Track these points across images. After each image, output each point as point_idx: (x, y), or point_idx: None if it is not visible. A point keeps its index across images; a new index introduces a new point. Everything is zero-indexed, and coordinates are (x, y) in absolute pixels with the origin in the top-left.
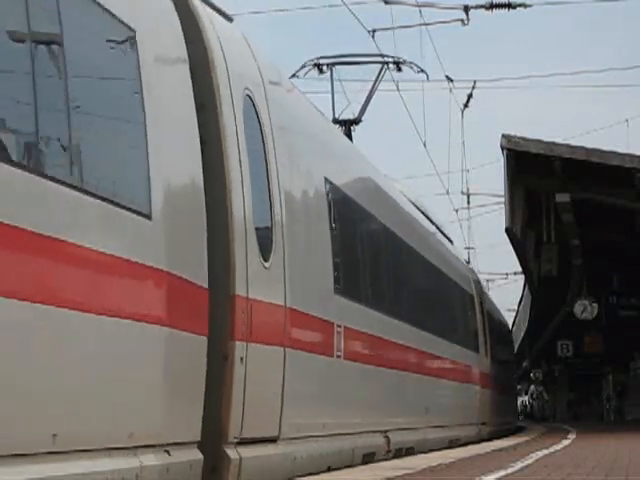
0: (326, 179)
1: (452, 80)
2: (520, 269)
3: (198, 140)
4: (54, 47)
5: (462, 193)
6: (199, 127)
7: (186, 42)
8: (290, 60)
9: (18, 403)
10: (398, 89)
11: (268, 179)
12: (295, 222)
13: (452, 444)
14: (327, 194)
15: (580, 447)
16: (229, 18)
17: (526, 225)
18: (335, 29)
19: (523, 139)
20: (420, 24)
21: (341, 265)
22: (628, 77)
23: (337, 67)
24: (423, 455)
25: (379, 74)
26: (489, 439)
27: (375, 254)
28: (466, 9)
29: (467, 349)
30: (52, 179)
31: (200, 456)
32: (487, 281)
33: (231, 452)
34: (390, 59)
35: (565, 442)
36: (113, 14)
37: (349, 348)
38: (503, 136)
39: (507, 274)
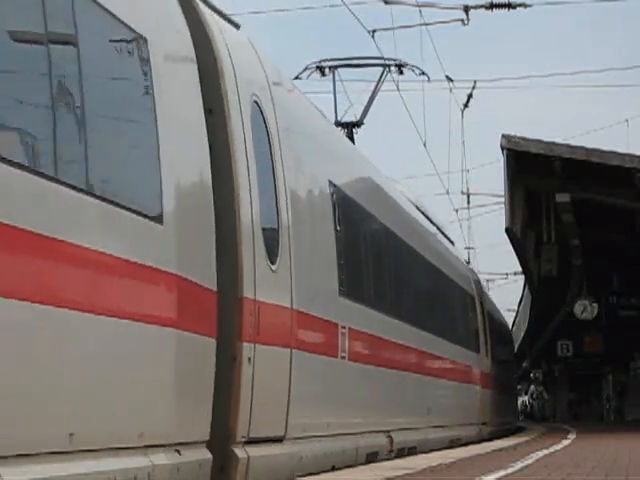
0: (330, 182)
1: (452, 80)
2: (520, 269)
3: (207, 146)
4: (71, 54)
5: (462, 193)
6: (208, 132)
7: (195, 49)
8: (290, 60)
9: (39, 404)
10: (398, 89)
11: (275, 183)
12: (301, 225)
13: (453, 444)
14: (331, 197)
15: (580, 447)
16: (236, 25)
17: (526, 225)
18: (335, 29)
19: (523, 139)
20: (420, 24)
21: (345, 267)
22: (628, 77)
23: (339, 69)
24: (423, 455)
25: (381, 77)
26: (489, 439)
27: (378, 256)
28: (466, 9)
29: (468, 349)
30: (71, 187)
31: (209, 456)
32: (487, 281)
33: (239, 452)
34: (392, 62)
35: (565, 442)
36: (128, 25)
37: (353, 349)
38: (503, 136)
39: (507, 274)
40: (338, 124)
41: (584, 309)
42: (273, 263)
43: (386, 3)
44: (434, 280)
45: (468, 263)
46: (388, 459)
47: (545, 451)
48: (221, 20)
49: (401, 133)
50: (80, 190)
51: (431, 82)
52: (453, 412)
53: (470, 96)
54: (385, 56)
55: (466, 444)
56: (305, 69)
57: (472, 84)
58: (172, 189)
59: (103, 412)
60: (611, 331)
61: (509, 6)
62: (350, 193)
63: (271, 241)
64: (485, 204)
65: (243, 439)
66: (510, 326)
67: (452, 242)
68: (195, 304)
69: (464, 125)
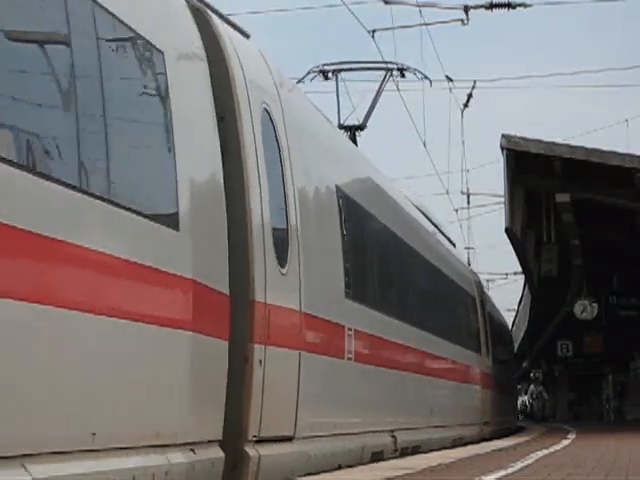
0: (337, 187)
1: (452, 80)
2: (520, 269)
3: (219, 153)
4: (96, 66)
5: (462, 193)
6: (220, 139)
7: (208, 59)
8: (290, 60)
9: (66, 405)
10: (398, 89)
11: (284, 189)
12: (309, 230)
13: (455, 443)
14: (338, 201)
15: (580, 447)
16: (246, 35)
17: (526, 225)
18: (335, 29)
19: (523, 139)
20: (420, 24)
21: (351, 270)
22: (628, 77)
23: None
24: (423, 455)
25: (383, 81)
26: (490, 439)
27: (383, 259)
28: (466, 9)
29: (469, 350)
30: (94, 196)
31: (222, 454)
32: (487, 281)
33: (250, 450)
34: (394, 66)
35: (565, 442)
36: (149, 41)
37: (359, 350)
38: (503, 136)
39: (507, 274)
40: (341, 127)
41: (584, 309)
42: (283, 267)
43: (386, 3)
44: (437, 282)
45: (469, 265)
46: (394, 458)
47: (545, 451)
48: (232, 30)
49: (401, 133)
50: (105, 200)
51: (432, 83)
52: (455, 412)
53: (470, 96)
54: (385, 56)
55: (466, 444)
56: (308, 73)
57: (472, 84)
58: (187, 196)
59: (123, 412)
60: (611, 331)
61: (509, 6)
62: (355, 197)
63: (281, 246)
64: (485, 204)
65: (254, 438)
66: (510, 326)
67: (453, 244)
68: (209, 307)
69: (464, 125)
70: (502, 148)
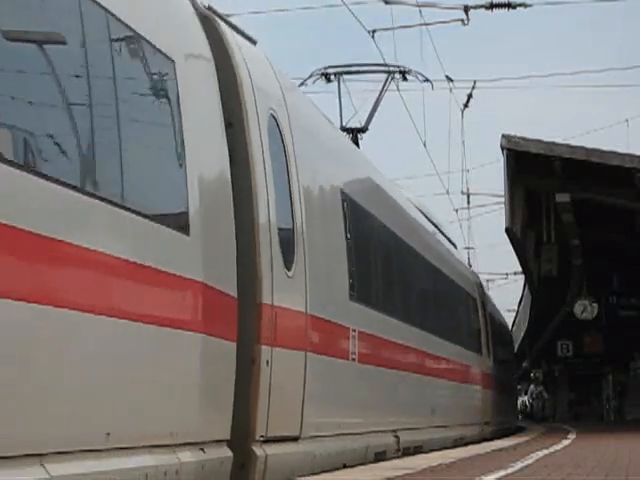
0: (342, 191)
1: (452, 80)
2: (520, 269)
3: (228, 160)
4: (106, 77)
5: (462, 193)
6: (228, 145)
7: (216, 66)
8: (290, 60)
9: (81, 405)
10: (398, 89)
11: (290, 193)
12: (314, 233)
13: (457, 443)
14: (342, 205)
15: (580, 447)
16: (253, 41)
17: (526, 225)
18: (335, 29)
19: (523, 139)
20: (420, 24)
21: (355, 273)
22: (628, 77)
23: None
24: (423, 455)
25: (385, 83)
26: (491, 438)
27: (387, 262)
28: (466, 9)
29: (470, 351)
30: (113, 203)
31: (230, 453)
32: (487, 281)
33: (258, 450)
34: (396, 69)
35: (565, 442)
36: (161, 51)
37: (363, 351)
38: (503, 136)
39: (507, 274)
40: (343, 129)
41: (584, 309)
42: (289, 270)
43: (386, 3)
44: (438, 284)
45: (470, 266)
46: (396, 458)
47: (545, 451)
48: (239, 37)
49: (401, 133)
50: (118, 205)
51: (433, 86)
52: (456, 412)
53: (470, 96)
54: (385, 56)
55: (467, 444)
56: (311, 75)
57: (472, 84)
58: (197, 202)
59: (137, 413)
60: (611, 331)
61: (509, 6)
62: (359, 200)
63: (287, 249)
64: (485, 204)
65: (261, 438)
66: (510, 326)
67: (455, 245)
68: (218, 310)
69: (464, 125)
70: (502, 148)
